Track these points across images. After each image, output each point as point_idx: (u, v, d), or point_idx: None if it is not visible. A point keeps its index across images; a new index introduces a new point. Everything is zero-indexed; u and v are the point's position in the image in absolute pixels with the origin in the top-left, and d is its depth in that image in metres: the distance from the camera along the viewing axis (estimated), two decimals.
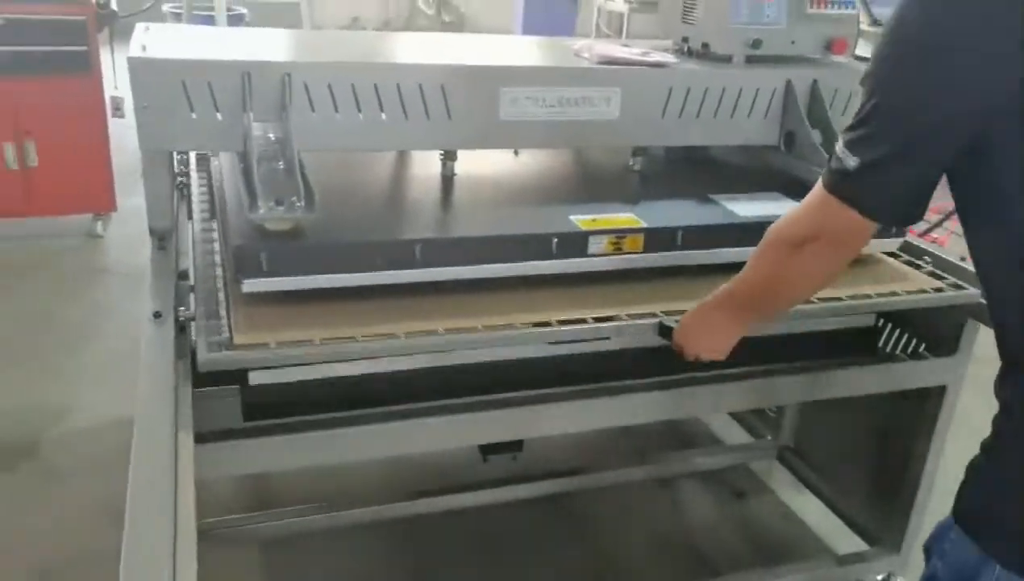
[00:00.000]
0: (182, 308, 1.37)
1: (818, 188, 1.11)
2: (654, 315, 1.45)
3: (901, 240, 1.73)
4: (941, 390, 1.79)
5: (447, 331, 1.36)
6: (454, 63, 1.63)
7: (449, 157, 1.75)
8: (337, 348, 1.32)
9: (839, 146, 1.05)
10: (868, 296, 1.60)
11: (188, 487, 1.06)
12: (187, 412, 1.19)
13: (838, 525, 2.17)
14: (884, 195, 1.04)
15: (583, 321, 1.42)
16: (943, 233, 3.58)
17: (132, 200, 3.79)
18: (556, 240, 1.47)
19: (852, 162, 1.02)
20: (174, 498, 1.01)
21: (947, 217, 3.29)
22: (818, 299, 1.54)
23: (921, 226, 3.18)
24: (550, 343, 1.45)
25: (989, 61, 0.91)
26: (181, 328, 1.34)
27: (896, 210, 1.07)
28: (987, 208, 1.00)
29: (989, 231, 1.01)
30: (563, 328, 1.41)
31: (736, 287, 1.32)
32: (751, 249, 1.57)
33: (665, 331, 1.41)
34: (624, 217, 1.57)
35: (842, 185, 1.06)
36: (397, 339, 1.33)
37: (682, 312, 1.42)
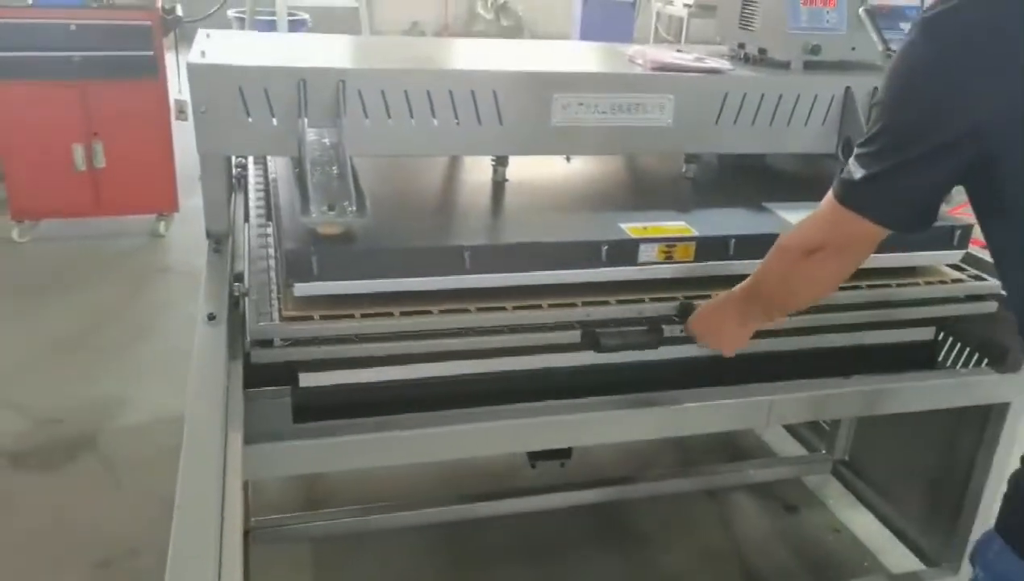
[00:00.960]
0: (237, 284, 1.42)
1: (828, 199, 1.16)
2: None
3: (963, 252, 1.67)
4: (1004, 407, 1.73)
5: (478, 310, 1.41)
6: (506, 69, 1.63)
7: (501, 163, 1.75)
8: (376, 322, 1.37)
9: (850, 161, 1.11)
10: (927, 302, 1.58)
11: (236, 487, 1.07)
12: (238, 412, 1.21)
13: (893, 543, 2.12)
14: (890, 202, 1.09)
15: (606, 303, 1.46)
16: None
17: (194, 200, 3.88)
18: (606, 248, 1.46)
19: (859, 173, 1.08)
20: (221, 498, 1.02)
21: None
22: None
23: None
24: (597, 351, 1.44)
25: (992, 82, 0.97)
26: (235, 303, 1.40)
27: (901, 216, 1.11)
28: (997, 210, 1.06)
29: (1002, 230, 1.08)
30: (586, 309, 1.46)
31: (746, 289, 1.36)
32: None
33: (684, 311, 1.45)
34: (675, 225, 1.55)
35: (849, 193, 1.11)
36: (431, 314, 1.39)
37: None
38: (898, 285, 1.63)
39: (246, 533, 1.01)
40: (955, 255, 1.67)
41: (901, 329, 1.72)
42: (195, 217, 3.83)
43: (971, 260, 1.71)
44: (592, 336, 1.42)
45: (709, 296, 1.51)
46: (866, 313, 1.61)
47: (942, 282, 1.66)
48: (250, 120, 1.49)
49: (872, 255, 1.58)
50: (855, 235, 1.14)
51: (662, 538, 2.24)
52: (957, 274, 1.69)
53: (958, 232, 1.64)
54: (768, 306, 1.34)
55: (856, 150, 1.11)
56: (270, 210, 1.75)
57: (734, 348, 1.42)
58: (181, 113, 3.67)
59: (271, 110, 1.49)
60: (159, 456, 2.37)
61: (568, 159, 1.92)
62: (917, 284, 1.65)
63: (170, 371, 2.84)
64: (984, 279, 1.68)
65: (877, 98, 1.13)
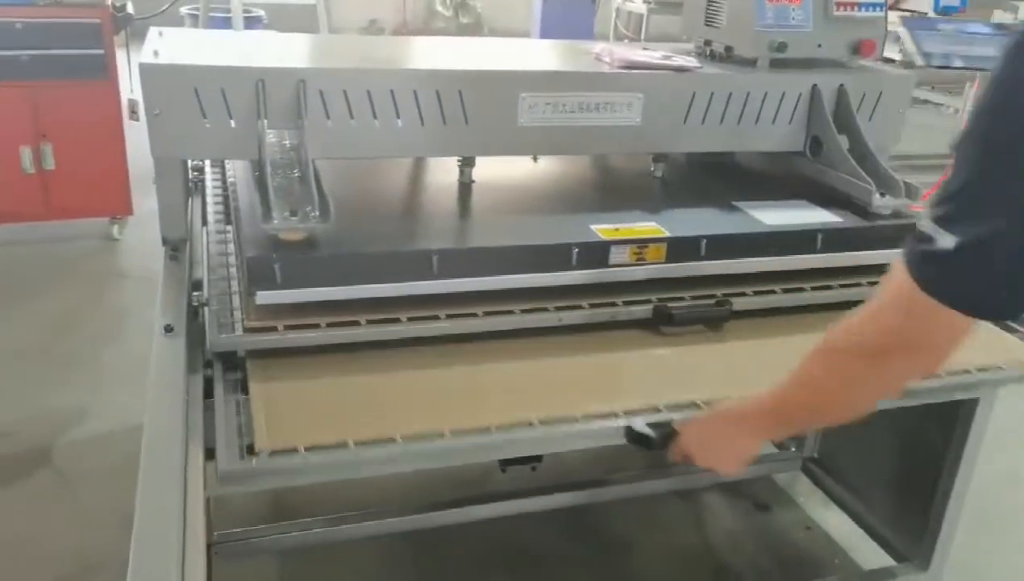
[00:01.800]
0: (196, 293, 1.38)
1: (897, 281, 0.88)
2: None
3: None
4: (973, 403, 1.73)
5: (448, 317, 1.38)
6: (472, 68, 1.59)
7: (467, 164, 1.72)
8: (342, 331, 1.33)
9: (925, 224, 0.85)
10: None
11: (197, 503, 1.03)
12: (198, 427, 1.16)
13: (864, 539, 2.12)
14: (993, 282, 0.83)
15: (579, 306, 1.45)
16: None
17: (149, 202, 3.76)
18: (577, 250, 1.43)
19: (948, 242, 0.81)
20: (183, 514, 0.98)
21: None
22: None
23: None
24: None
25: None
26: (194, 313, 1.35)
27: (1009, 302, 0.86)
28: None
29: None
30: (558, 313, 1.44)
31: (772, 403, 1.11)
32: (777, 258, 1.56)
33: (666, 437, 1.23)
34: (646, 226, 1.52)
35: (937, 273, 0.84)
36: (400, 323, 1.35)
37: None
38: (869, 283, 1.62)
39: (209, 547, 0.96)
40: None
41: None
42: (150, 220, 3.72)
43: None
44: None
45: (682, 298, 1.49)
46: (836, 313, 1.60)
47: None
48: (206, 123, 1.44)
49: (842, 254, 1.60)
50: (943, 329, 0.86)
51: (635, 540, 2.22)
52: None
53: None
54: (807, 420, 1.17)
55: (935, 209, 0.84)
56: (229, 214, 1.69)
57: (744, 466, 1.20)
58: (134, 113, 3.55)
59: (228, 112, 1.45)
60: (119, 467, 2.28)
61: (535, 159, 1.89)
62: None
63: (129, 379, 2.75)
64: None
65: (963, 134, 0.83)
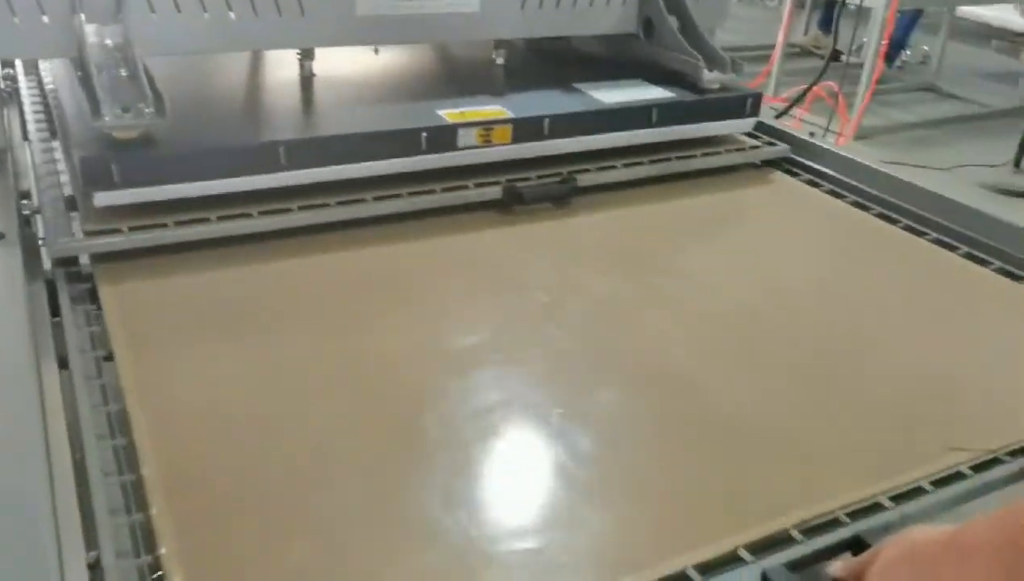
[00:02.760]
0: (25, 201, 1.29)
1: None
2: None
3: (756, 120, 1.79)
4: None
5: (300, 209, 1.38)
6: None
7: (306, 56, 1.67)
8: (191, 229, 1.30)
9: None
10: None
11: (58, 416, 0.99)
12: (47, 336, 1.12)
13: None
14: None
15: (432, 191, 1.42)
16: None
17: None
18: (425, 135, 1.45)
19: None
20: (44, 431, 0.92)
21: (802, 95, 3.39)
22: None
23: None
24: None
25: None
26: (26, 222, 1.27)
27: None
28: None
29: None
30: (411, 199, 1.41)
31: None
32: (616, 135, 1.63)
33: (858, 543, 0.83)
34: (491, 109, 1.55)
35: None
36: (252, 217, 1.34)
37: None
38: (703, 154, 1.73)
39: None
40: (749, 124, 1.79)
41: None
42: None
43: (763, 128, 1.84)
44: None
45: (530, 178, 1.54)
46: (674, 184, 1.70)
47: (740, 149, 1.78)
48: (15, 19, 1.34)
49: (674, 128, 1.69)
50: None
51: None
52: (753, 141, 1.82)
53: (750, 100, 1.75)
54: None
55: None
56: (53, 125, 1.59)
57: None
58: None
59: (40, 6, 1.34)
60: None
61: (376, 51, 1.86)
62: (720, 152, 1.75)
63: None
64: (776, 144, 1.81)
65: None
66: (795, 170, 1.79)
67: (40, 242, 1.28)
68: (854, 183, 1.69)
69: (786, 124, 1.93)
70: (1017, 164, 4.09)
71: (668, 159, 1.68)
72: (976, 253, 1.47)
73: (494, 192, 1.51)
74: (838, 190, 1.70)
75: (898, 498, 0.91)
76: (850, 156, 1.73)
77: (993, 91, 5.65)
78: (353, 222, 1.41)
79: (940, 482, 0.94)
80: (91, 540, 0.79)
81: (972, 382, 1.14)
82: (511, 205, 1.51)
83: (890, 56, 5.82)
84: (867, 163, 1.70)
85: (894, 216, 1.60)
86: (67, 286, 1.22)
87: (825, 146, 1.78)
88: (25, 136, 1.66)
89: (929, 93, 5.63)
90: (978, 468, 0.97)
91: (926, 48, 6.03)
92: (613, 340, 1.19)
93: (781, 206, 1.68)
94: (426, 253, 1.40)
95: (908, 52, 6.11)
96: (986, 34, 6.47)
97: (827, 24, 5.66)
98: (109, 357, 1.09)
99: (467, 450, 0.96)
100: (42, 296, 1.20)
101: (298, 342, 1.13)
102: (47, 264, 1.25)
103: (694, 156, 1.71)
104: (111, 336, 1.12)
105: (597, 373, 1.12)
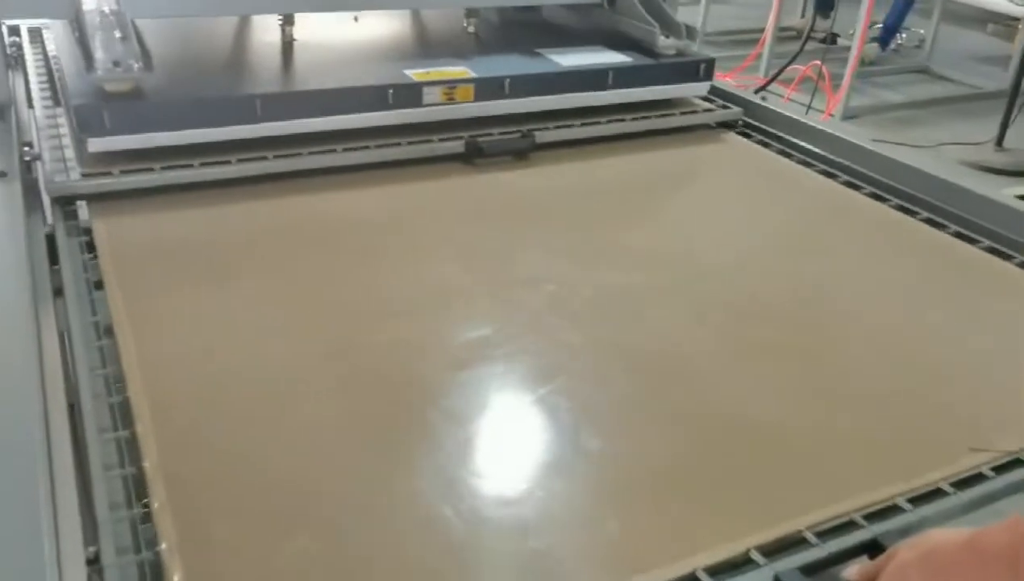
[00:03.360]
0: (26, 148, 1.42)
1: None
2: None
3: (709, 83, 1.91)
4: None
5: (275, 157, 1.50)
6: None
7: (287, 22, 1.80)
8: (176, 173, 1.43)
9: None
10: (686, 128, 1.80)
11: (52, 339, 1.10)
12: (43, 264, 1.25)
13: None
14: None
15: (398, 144, 1.55)
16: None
17: None
18: (392, 91, 1.58)
19: None
20: (39, 354, 0.99)
21: (779, 72, 3.49)
22: None
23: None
24: None
25: None
26: (27, 168, 1.40)
27: None
28: None
29: None
30: (380, 151, 1.54)
31: None
32: (573, 96, 1.75)
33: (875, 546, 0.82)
34: (456, 70, 1.68)
35: None
36: (230, 164, 1.47)
37: None
38: (658, 116, 1.85)
39: (72, 407, 1.01)
40: (703, 87, 1.90)
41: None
42: None
43: (716, 91, 1.95)
44: None
45: (491, 134, 1.67)
46: (628, 142, 1.82)
47: (694, 112, 1.90)
48: None
49: (630, 90, 1.81)
50: None
51: None
52: (707, 105, 1.93)
53: (703, 65, 1.87)
54: None
55: None
56: (56, 93, 1.72)
57: None
58: None
59: None
60: None
61: (356, 19, 1.99)
62: (674, 114, 1.87)
63: None
64: (729, 108, 1.93)
65: None
66: (749, 133, 1.90)
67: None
68: (803, 144, 1.80)
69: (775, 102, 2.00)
70: (999, 142, 4.18)
71: (623, 120, 1.80)
72: (907, 205, 1.58)
73: (457, 146, 1.64)
74: (787, 150, 1.82)
75: (917, 500, 0.88)
76: (797, 117, 1.84)
77: (986, 74, 5.72)
78: (324, 170, 1.54)
79: (960, 483, 0.91)
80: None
81: (993, 378, 1.11)
82: (472, 158, 1.64)
83: (884, 39, 5.90)
84: (812, 124, 1.81)
85: (834, 172, 1.71)
86: (63, 223, 1.36)
87: (775, 109, 1.89)
88: (29, 102, 1.79)
89: (922, 75, 5.71)
90: (1000, 469, 0.94)
91: (922, 32, 6.10)
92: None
93: (732, 165, 1.79)
94: (392, 199, 1.52)
95: (903, 36, 6.18)
96: (982, 19, 6.53)
97: (824, 7, 5.75)
98: (100, 285, 1.22)
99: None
100: (40, 229, 1.33)
101: (265, 282, 1.25)
102: (46, 201, 1.38)
103: (649, 116, 1.83)
104: (101, 264, 1.25)
105: (560, 334, 1.15)
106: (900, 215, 1.56)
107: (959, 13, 6.48)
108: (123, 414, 0.96)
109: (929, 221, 1.54)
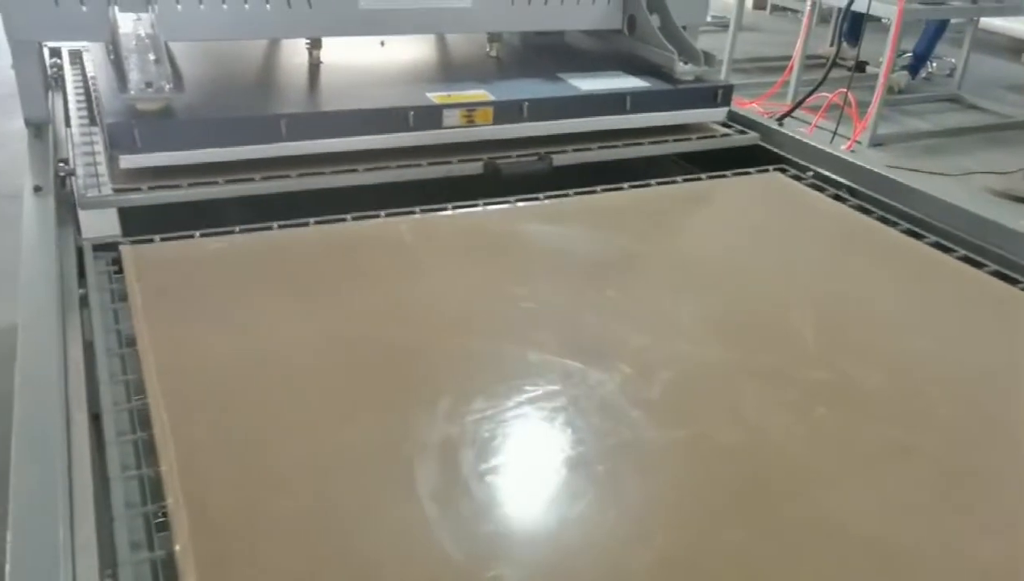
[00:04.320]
0: (61, 164, 1.48)
1: None
2: None
3: (727, 109, 1.93)
4: None
5: (299, 176, 1.54)
6: None
7: (315, 46, 1.86)
8: (202, 190, 1.48)
9: None
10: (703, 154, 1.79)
11: (77, 355, 1.11)
12: (72, 275, 1.30)
13: None
14: None
15: (418, 165, 1.59)
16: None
17: (13, 123, 3.73)
18: (412, 113, 1.62)
19: None
20: (64, 368, 1.03)
21: (803, 100, 3.50)
22: None
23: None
24: None
25: None
26: (61, 184, 1.46)
27: None
28: None
29: None
30: (399, 171, 1.60)
31: None
32: (591, 119, 1.78)
33: None
34: (476, 93, 1.72)
35: None
36: (254, 181, 1.51)
37: None
38: (675, 140, 1.87)
39: (96, 417, 1.00)
40: (720, 112, 1.93)
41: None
42: (14, 140, 3.69)
43: (733, 116, 1.98)
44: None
45: (509, 156, 1.70)
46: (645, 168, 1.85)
47: (712, 136, 1.92)
48: (57, 6, 1.54)
49: (648, 115, 1.84)
50: None
51: None
52: (724, 129, 1.96)
53: (720, 91, 1.89)
54: None
55: None
56: (92, 110, 1.79)
57: None
58: None
59: None
60: None
61: (382, 44, 2.05)
62: (691, 139, 1.90)
63: (4, 288, 2.80)
64: (746, 133, 1.95)
65: None
66: (767, 158, 1.92)
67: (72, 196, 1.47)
68: (820, 170, 1.81)
69: (799, 129, 2.01)
70: None
71: (641, 143, 1.83)
72: (915, 229, 1.59)
73: (475, 168, 1.67)
74: (800, 174, 1.83)
75: None
76: (812, 143, 1.86)
77: (1018, 104, 5.68)
78: (345, 190, 1.58)
79: None
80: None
81: None
82: (491, 180, 1.67)
83: (914, 68, 5.89)
84: (828, 150, 1.83)
85: (867, 205, 1.68)
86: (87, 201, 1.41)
87: (792, 135, 1.91)
88: (67, 121, 1.86)
89: (952, 104, 5.68)
90: None
91: (953, 61, 6.08)
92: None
93: (748, 190, 1.80)
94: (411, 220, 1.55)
95: (934, 64, 6.16)
96: (1015, 48, 6.49)
97: (853, 36, 5.75)
98: (124, 296, 1.27)
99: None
100: (71, 241, 1.39)
101: (288, 295, 1.26)
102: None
103: (666, 141, 1.85)
104: (126, 272, 1.30)
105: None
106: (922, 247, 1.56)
107: (991, 42, 6.47)
108: (142, 419, 1.00)
109: (938, 245, 1.54)
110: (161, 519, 0.85)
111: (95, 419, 1.00)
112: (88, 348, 1.14)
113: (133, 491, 0.87)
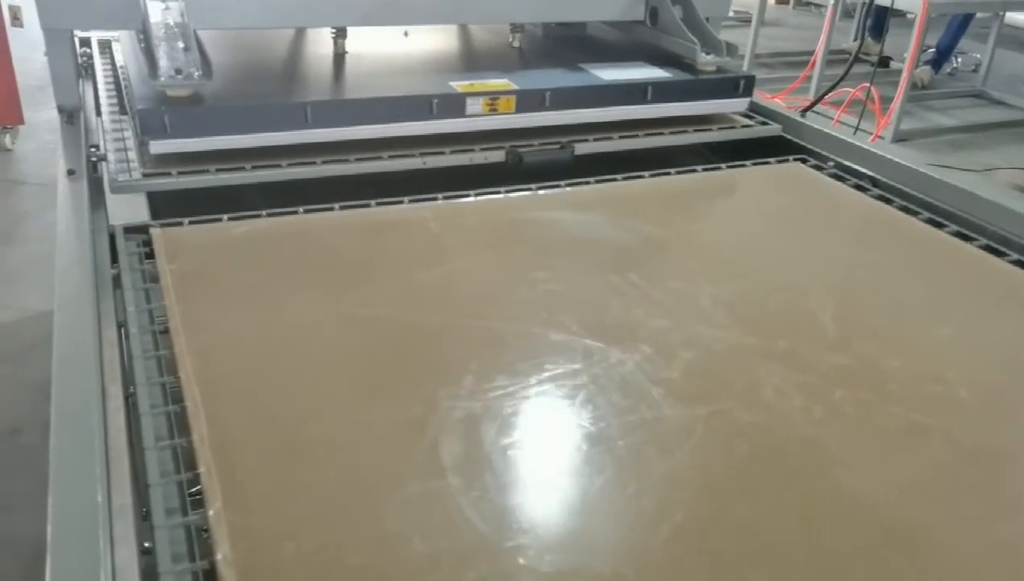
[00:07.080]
0: (93, 149, 1.50)
1: None
2: None
3: (748, 100, 1.94)
4: None
5: (324, 162, 1.56)
6: None
7: (340, 35, 1.89)
8: (230, 175, 1.50)
9: None
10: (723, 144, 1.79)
11: (110, 321, 1.18)
12: (105, 256, 1.34)
13: None
14: None
15: (441, 153, 1.61)
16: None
17: (40, 114, 3.80)
18: (436, 101, 1.64)
19: None
20: (99, 349, 1.06)
21: (824, 93, 3.48)
22: None
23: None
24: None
25: None
26: (93, 169, 1.49)
27: None
28: None
29: None
30: (423, 158, 1.60)
31: None
32: (612, 109, 1.79)
33: None
34: (499, 82, 1.74)
35: None
36: (280, 167, 1.54)
37: None
38: (695, 130, 1.88)
39: (128, 397, 1.02)
40: (742, 103, 1.93)
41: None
42: (42, 131, 3.76)
43: (755, 107, 1.98)
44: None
45: (531, 145, 1.72)
46: (667, 156, 1.86)
47: (732, 127, 1.93)
48: None
49: (669, 105, 1.85)
50: None
51: None
52: (746, 120, 1.96)
53: (743, 82, 1.90)
54: None
55: None
56: (121, 99, 1.83)
57: None
58: (16, 20, 3.55)
59: None
60: (28, 351, 2.43)
61: (406, 34, 2.07)
62: (712, 129, 1.91)
63: (33, 273, 2.86)
64: (768, 124, 1.96)
65: None
66: (788, 149, 1.92)
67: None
68: (842, 160, 1.81)
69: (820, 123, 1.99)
70: None
71: (662, 133, 1.84)
72: (937, 219, 1.59)
73: (498, 156, 1.69)
74: (821, 165, 1.84)
75: None
76: (835, 134, 1.86)
77: None
78: (368, 177, 1.60)
79: None
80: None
81: None
82: (513, 169, 1.69)
83: (937, 63, 5.84)
84: (850, 140, 1.83)
85: (889, 195, 1.69)
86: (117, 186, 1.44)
87: (814, 126, 1.91)
88: (97, 109, 1.90)
89: (978, 100, 5.63)
90: None
91: (978, 56, 6.02)
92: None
93: (769, 179, 1.81)
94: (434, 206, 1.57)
95: (959, 59, 6.11)
96: None
97: (877, 31, 5.71)
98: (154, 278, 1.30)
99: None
100: (103, 224, 1.42)
101: (312, 280, 1.29)
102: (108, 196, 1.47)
103: (686, 131, 1.86)
104: (157, 254, 1.33)
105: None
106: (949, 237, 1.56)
107: (1017, 38, 6.39)
108: (174, 393, 1.02)
109: (959, 234, 1.54)
110: (194, 489, 0.88)
111: (129, 395, 1.03)
112: (121, 326, 1.17)
113: (167, 460, 0.90)
